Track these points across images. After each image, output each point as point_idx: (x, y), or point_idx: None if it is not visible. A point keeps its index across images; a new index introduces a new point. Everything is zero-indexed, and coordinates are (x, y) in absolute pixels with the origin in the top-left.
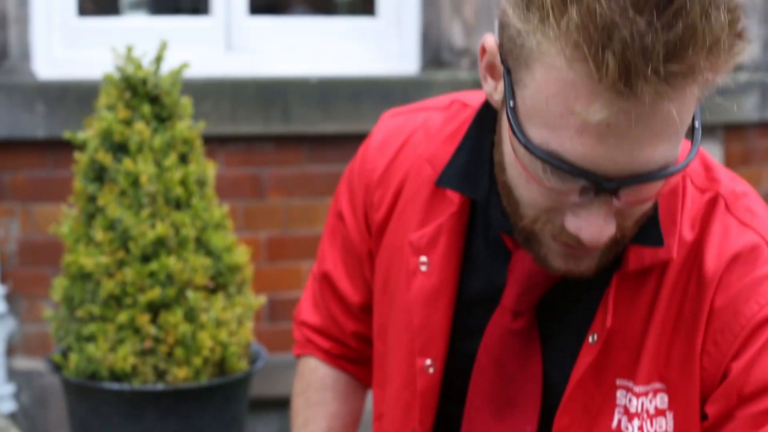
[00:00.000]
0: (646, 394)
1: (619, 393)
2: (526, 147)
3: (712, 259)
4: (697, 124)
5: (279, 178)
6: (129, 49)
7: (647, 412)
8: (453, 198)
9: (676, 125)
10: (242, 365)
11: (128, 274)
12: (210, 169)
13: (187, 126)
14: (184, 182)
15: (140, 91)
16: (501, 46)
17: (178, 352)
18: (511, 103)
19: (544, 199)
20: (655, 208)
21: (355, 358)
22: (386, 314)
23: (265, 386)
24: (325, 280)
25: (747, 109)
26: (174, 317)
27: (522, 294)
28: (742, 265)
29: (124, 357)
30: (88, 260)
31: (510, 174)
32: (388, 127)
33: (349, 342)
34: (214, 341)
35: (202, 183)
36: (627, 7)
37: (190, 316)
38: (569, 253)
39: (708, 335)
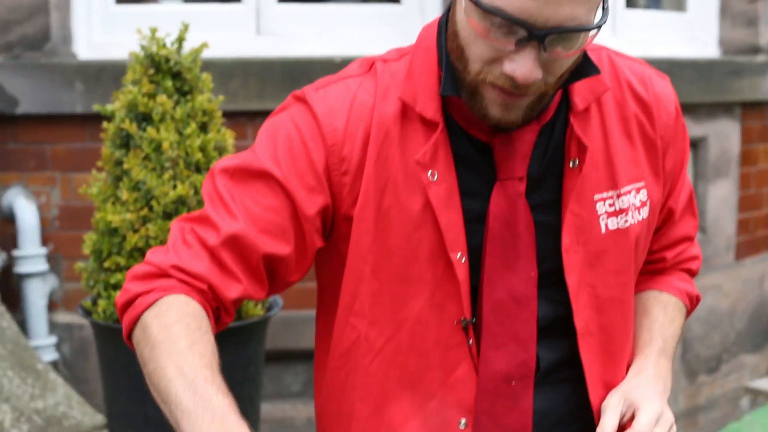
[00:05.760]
0: (629, 192)
1: (599, 205)
2: (478, 5)
3: (639, 86)
4: (607, 5)
5: None
6: (153, 31)
7: (634, 205)
8: (434, 118)
9: None
10: (258, 311)
11: (151, 229)
12: (229, 138)
13: (206, 99)
14: (203, 149)
15: (163, 68)
16: None
17: None
18: None
19: (488, 51)
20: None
21: (217, 318)
22: (388, 244)
23: (290, 340)
24: (232, 241)
25: (765, 88)
26: None
27: (520, 159)
28: (655, 85)
29: None
30: (115, 217)
31: (462, 36)
32: (325, 98)
33: (227, 305)
34: None
35: (221, 149)
36: None
37: None
38: (504, 101)
39: (658, 134)
